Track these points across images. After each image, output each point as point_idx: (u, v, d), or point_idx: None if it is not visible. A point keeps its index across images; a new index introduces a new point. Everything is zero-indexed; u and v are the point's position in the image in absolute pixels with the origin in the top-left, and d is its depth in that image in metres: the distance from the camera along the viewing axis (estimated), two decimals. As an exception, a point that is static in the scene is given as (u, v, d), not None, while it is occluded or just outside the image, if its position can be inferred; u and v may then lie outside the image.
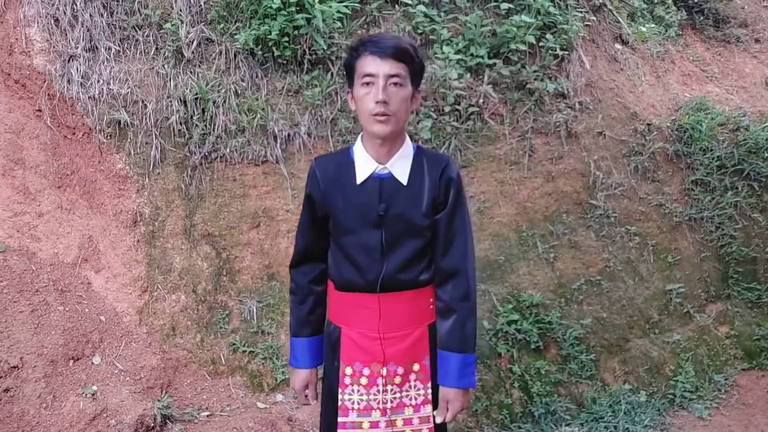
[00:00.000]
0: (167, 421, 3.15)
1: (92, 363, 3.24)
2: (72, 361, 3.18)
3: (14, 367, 2.98)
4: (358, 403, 1.99)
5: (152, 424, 3.08)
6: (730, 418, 3.68)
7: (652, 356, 3.90)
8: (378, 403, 1.98)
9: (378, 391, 1.98)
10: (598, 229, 4.08)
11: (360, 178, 1.94)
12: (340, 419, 1.99)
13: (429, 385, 2.01)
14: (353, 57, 1.87)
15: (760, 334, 4.17)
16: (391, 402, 1.99)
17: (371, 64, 1.82)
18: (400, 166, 1.93)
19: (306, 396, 2.14)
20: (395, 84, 1.82)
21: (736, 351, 4.13)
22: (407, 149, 1.96)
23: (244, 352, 3.60)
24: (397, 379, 1.99)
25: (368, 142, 1.94)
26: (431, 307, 2.01)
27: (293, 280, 2.13)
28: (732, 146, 4.46)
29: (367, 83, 1.82)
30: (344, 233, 1.96)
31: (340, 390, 2.00)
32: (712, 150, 4.42)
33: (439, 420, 1.98)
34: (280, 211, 3.87)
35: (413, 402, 2.01)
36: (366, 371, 1.99)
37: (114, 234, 3.70)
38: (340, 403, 2.00)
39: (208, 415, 3.29)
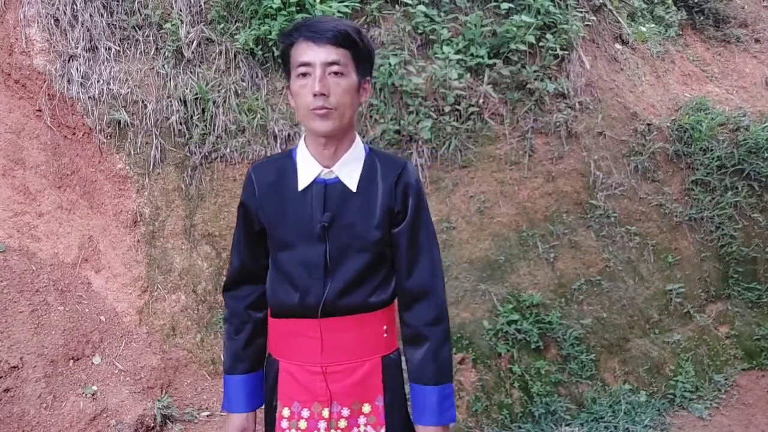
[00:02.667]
0: (167, 421, 3.15)
1: (92, 363, 3.24)
2: (72, 361, 3.18)
3: (14, 367, 2.98)
4: None
5: (152, 424, 3.08)
6: (730, 418, 3.68)
7: (652, 356, 3.90)
8: None
9: None
10: (598, 229, 4.08)
11: (302, 183, 1.65)
12: None
13: (383, 431, 1.68)
14: (287, 44, 1.60)
15: (760, 334, 4.17)
16: None
17: (307, 52, 1.55)
18: (349, 170, 1.65)
19: None
20: (336, 73, 1.55)
21: (736, 351, 4.13)
22: (357, 150, 1.68)
23: (244, 352, 3.60)
24: (342, 423, 1.66)
25: (311, 143, 1.66)
26: (385, 335, 1.70)
27: (227, 306, 1.79)
28: (732, 146, 4.46)
29: (304, 74, 1.56)
30: (281, 248, 1.67)
31: None
32: (712, 150, 4.42)
33: None
34: (280, 211, 3.87)
35: None
36: (305, 413, 1.67)
37: (114, 234, 3.70)
38: None
39: (208, 415, 3.29)
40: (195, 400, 3.37)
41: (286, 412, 1.68)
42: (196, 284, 3.70)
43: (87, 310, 3.38)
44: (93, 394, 3.07)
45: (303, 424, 1.67)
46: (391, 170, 1.67)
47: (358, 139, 1.70)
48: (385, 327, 1.70)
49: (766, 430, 3.56)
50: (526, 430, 3.47)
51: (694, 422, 3.63)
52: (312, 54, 1.55)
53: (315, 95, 1.54)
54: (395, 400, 1.71)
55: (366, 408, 1.68)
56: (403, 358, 1.77)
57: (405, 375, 1.76)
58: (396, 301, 1.75)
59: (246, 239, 1.74)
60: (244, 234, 1.74)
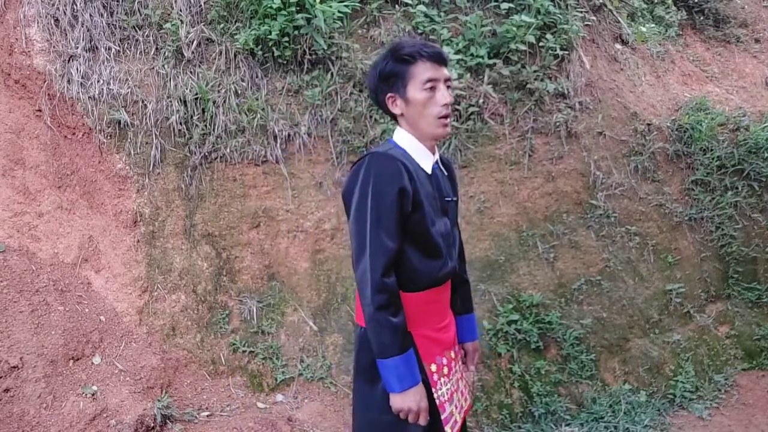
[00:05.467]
0: (167, 421, 3.15)
1: (92, 363, 3.24)
2: (72, 361, 3.18)
3: (14, 367, 2.98)
4: (447, 394, 2.02)
5: (152, 424, 3.08)
6: (730, 418, 3.68)
7: (652, 356, 3.90)
8: (454, 384, 2.08)
9: (453, 373, 2.08)
10: (598, 229, 4.08)
11: (428, 169, 2.01)
12: (443, 416, 1.99)
13: (461, 364, 2.20)
14: (407, 62, 1.94)
15: (760, 334, 4.17)
16: (459, 381, 2.12)
17: (430, 70, 1.93)
18: (439, 160, 2.09)
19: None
20: (448, 87, 1.96)
21: (736, 351, 4.13)
22: None
23: (244, 352, 3.60)
24: (458, 359, 2.15)
25: (421, 140, 2.01)
26: None
27: (386, 290, 1.87)
28: (732, 146, 4.45)
29: (431, 88, 1.93)
30: (431, 223, 1.97)
31: (433, 390, 1.98)
32: (712, 150, 4.42)
33: (472, 367, 2.26)
34: (280, 211, 3.87)
35: (460, 375, 2.17)
36: (444, 360, 2.04)
37: (114, 234, 3.70)
38: (438, 402, 1.99)
39: (208, 415, 3.29)
40: (195, 400, 3.37)
41: (433, 367, 2.01)
42: (196, 284, 3.69)
43: (87, 310, 3.38)
44: (93, 394, 3.07)
45: (445, 370, 2.05)
46: (446, 161, 2.16)
47: None
48: None
49: (766, 430, 3.56)
50: (526, 430, 3.47)
51: (694, 422, 3.62)
52: (436, 71, 1.94)
53: (444, 105, 1.94)
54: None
55: (456, 348, 2.16)
56: None
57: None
58: None
59: (399, 223, 1.92)
60: (399, 218, 1.91)
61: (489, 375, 3.61)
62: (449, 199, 2.07)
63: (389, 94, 1.99)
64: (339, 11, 3.86)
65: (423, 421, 1.92)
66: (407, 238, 1.95)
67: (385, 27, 4.16)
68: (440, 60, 1.95)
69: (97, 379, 3.17)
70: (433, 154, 2.05)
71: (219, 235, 3.79)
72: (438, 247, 1.98)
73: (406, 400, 1.90)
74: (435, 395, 1.98)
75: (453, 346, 2.10)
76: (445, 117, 1.95)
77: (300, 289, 3.78)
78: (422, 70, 1.93)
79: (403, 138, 2.02)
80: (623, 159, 4.29)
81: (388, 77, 1.99)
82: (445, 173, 2.12)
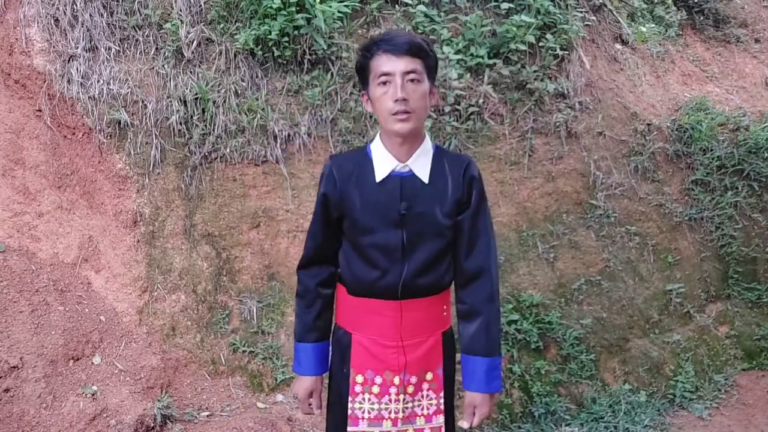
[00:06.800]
0: (167, 421, 3.15)
1: (92, 363, 3.23)
2: (72, 361, 3.18)
3: (14, 367, 2.98)
4: (369, 412, 1.93)
5: (152, 424, 3.08)
6: (730, 418, 3.68)
7: (652, 356, 3.90)
8: (389, 412, 1.92)
9: (390, 400, 1.92)
10: (598, 229, 4.08)
11: (379, 176, 1.87)
12: (350, 428, 1.93)
13: (442, 394, 1.96)
14: (366, 57, 1.82)
15: (760, 334, 4.17)
16: (403, 412, 1.93)
17: (386, 63, 1.78)
18: (421, 164, 1.88)
19: (310, 405, 2.05)
20: (412, 80, 1.78)
21: (736, 351, 4.13)
22: (427, 147, 1.90)
23: (244, 352, 3.60)
24: (410, 389, 1.93)
25: (387, 141, 1.88)
26: (444, 314, 1.97)
27: (301, 283, 2.02)
28: (732, 146, 4.46)
29: (384, 82, 1.78)
30: (362, 233, 1.88)
31: (350, 398, 1.94)
32: (712, 150, 4.42)
33: (466, 425, 1.92)
34: (280, 211, 3.87)
35: (425, 412, 1.95)
36: (378, 379, 1.92)
37: (114, 234, 3.70)
38: (350, 411, 1.93)
39: (208, 415, 3.29)
40: (195, 400, 3.37)
41: (359, 378, 1.93)
42: (196, 284, 3.70)
43: (87, 310, 3.38)
44: (93, 394, 3.07)
45: (376, 389, 1.92)
46: (458, 165, 1.90)
47: (427, 137, 1.92)
48: (444, 307, 1.97)
49: (766, 430, 3.56)
50: (526, 430, 3.47)
51: (694, 422, 3.63)
52: (392, 65, 1.77)
53: (396, 101, 1.76)
54: (450, 370, 1.99)
55: (429, 376, 1.95)
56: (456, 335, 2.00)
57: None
58: (452, 284, 1.98)
59: (323, 225, 1.95)
60: (322, 221, 1.95)
61: (489, 375, 3.61)
62: (402, 212, 1.84)
63: (362, 92, 1.91)
64: (339, 11, 3.86)
65: (302, 410, 2.06)
66: (347, 240, 1.94)
67: (385, 27, 4.16)
68: (399, 51, 1.76)
69: (97, 379, 3.17)
70: (406, 157, 1.87)
71: (219, 235, 3.79)
72: (369, 257, 1.87)
73: (294, 385, 2.07)
74: (349, 405, 1.93)
75: (410, 373, 1.91)
76: (400, 113, 1.77)
77: (300, 289, 3.78)
78: (378, 64, 1.79)
79: (376, 139, 1.92)
80: (623, 159, 4.29)
81: (358, 74, 1.90)
82: (425, 181, 1.87)
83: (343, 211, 1.90)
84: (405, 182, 1.86)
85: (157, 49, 4.00)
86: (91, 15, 3.95)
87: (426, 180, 1.87)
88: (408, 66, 1.77)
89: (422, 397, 1.94)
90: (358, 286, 1.93)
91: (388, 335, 1.90)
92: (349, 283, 1.95)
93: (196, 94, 3.86)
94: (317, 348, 2.01)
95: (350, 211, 1.88)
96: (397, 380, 1.91)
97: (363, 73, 1.85)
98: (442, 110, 3.99)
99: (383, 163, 1.87)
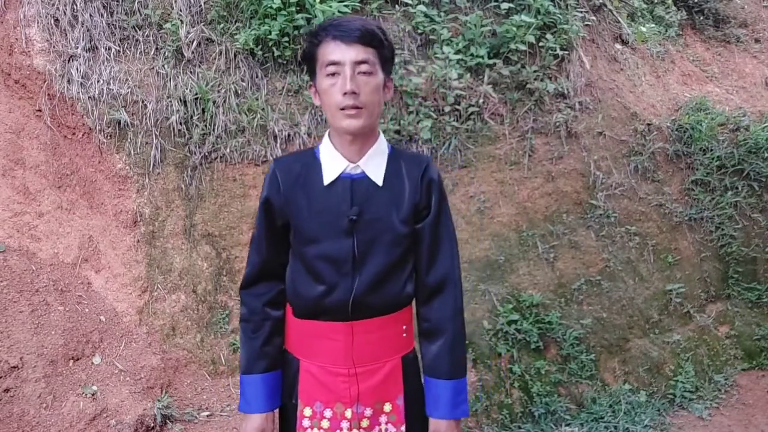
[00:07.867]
0: (167, 421, 3.15)
1: (92, 363, 3.24)
2: (72, 361, 3.18)
3: (14, 367, 2.98)
4: None
5: (152, 424, 3.08)
6: (730, 418, 3.68)
7: (652, 356, 3.90)
8: None
9: None
10: (598, 229, 4.08)
11: (327, 178, 1.65)
12: None
13: (403, 428, 1.71)
14: (313, 44, 1.61)
15: (760, 334, 4.17)
16: None
17: (335, 51, 1.56)
18: (375, 165, 1.66)
19: None
20: (364, 72, 1.57)
21: (736, 351, 4.13)
22: (381, 146, 1.69)
23: (244, 352, 3.60)
24: (365, 422, 1.68)
25: (337, 140, 1.66)
26: (404, 335, 1.72)
27: (245, 305, 1.75)
28: (732, 146, 4.46)
29: (333, 73, 1.57)
30: (307, 242, 1.66)
31: None
32: (712, 150, 4.42)
33: None
34: (280, 211, 3.87)
35: None
36: (328, 413, 1.68)
37: (114, 234, 3.70)
38: None
39: (208, 415, 3.29)
40: (195, 400, 3.37)
41: (307, 411, 1.69)
42: (196, 284, 3.70)
43: (87, 310, 3.38)
44: (93, 394, 3.07)
45: (325, 424, 1.68)
46: (416, 166, 1.69)
47: (381, 136, 1.72)
48: (404, 327, 1.72)
49: (766, 430, 3.56)
50: (526, 430, 3.47)
51: (694, 422, 3.62)
52: (341, 53, 1.56)
53: (345, 94, 1.55)
54: (414, 398, 1.73)
55: (387, 407, 1.70)
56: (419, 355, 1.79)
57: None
58: (413, 301, 1.76)
59: (268, 235, 1.71)
60: (266, 229, 1.71)
61: (489, 375, 3.61)
62: (353, 217, 1.62)
63: (310, 84, 1.68)
64: (339, 11, 3.86)
65: None
66: (293, 253, 1.71)
67: (385, 27, 4.16)
68: (349, 39, 1.55)
69: (97, 379, 3.17)
70: (357, 157, 1.65)
71: (219, 235, 3.79)
72: (313, 270, 1.65)
73: (242, 425, 1.74)
74: None
75: (365, 404, 1.67)
76: (350, 108, 1.56)
77: (300, 289, 3.78)
78: (326, 52, 1.57)
79: (325, 138, 1.70)
80: (623, 159, 4.29)
81: (305, 62, 1.67)
82: (379, 183, 1.66)
83: (287, 218, 1.68)
84: (356, 185, 1.65)
85: (157, 49, 4.00)
86: (91, 15, 3.95)
87: (380, 183, 1.66)
88: (359, 55, 1.56)
89: (380, 431, 1.70)
90: (302, 305, 1.70)
91: (338, 362, 1.66)
92: (293, 302, 1.72)
93: (196, 94, 3.86)
94: (267, 379, 1.72)
95: (295, 217, 1.66)
96: (349, 413, 1.67)
97: (310, 61, 1.64)
98: (442, 110, 3.99)
99: (332, 163, 1.66)
